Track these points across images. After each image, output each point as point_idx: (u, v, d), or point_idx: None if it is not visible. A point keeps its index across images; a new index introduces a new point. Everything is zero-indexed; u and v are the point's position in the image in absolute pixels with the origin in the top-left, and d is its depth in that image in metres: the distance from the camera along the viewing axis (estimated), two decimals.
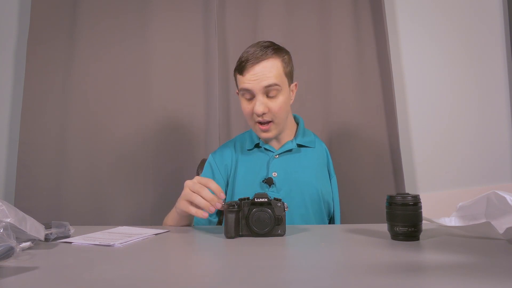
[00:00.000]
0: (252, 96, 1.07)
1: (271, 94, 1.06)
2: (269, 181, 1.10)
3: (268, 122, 1.08)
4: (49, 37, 1.58)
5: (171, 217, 1.03)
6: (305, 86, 1.59)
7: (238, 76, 1.09)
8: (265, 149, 1.17)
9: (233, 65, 1.62)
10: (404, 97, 1.74)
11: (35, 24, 1.57)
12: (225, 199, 1.17)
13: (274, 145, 1.17)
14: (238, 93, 1.16)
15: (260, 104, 1.05)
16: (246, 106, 1.10)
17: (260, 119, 1.08)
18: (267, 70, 1.04)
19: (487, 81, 1.78)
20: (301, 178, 1.12)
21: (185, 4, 1.66)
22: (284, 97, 1.08)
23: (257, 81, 1.04)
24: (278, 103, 1.07)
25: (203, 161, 1.37)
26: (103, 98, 1.59)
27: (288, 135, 1.18)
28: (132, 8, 1.63)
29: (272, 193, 1.10)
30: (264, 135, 1.11)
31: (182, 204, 0.88)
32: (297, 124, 1.24)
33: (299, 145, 1.17)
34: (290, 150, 1.16)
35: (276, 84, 1.05)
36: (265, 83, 1.04)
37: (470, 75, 1.77)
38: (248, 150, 1.19)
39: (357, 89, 1.65)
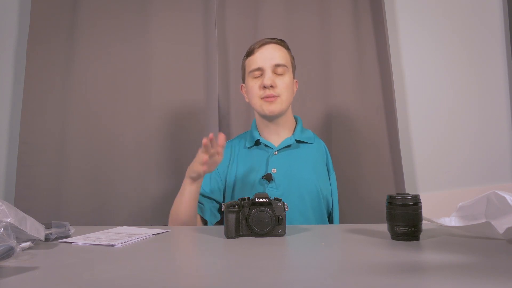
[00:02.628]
0: (261, 74, 1.15)
1: (279, 72, 1.14)
2: (268, 177, 1.11)
3: (274, 96, 1.14)
4: (49, 37, 1.58)
5: (179, 200, 1.06)
6: (305, 86, 1.59)
7: (248, 60, 1.18)
8: (265, 145, 1.18)
9: (233, 65, 1.63)
10: (404, 97, 1.74)
11: (35, 24, 1.57)
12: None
13: (274, 141, 1.19)
14: (242, 87, 1.24)
15: (269, 78, 1.13)
16: (253, 84, 1.16)
17: (268, 92, 1.13)
18: (276, 51, 1.16)
19: (487, 81, 1.78)
20: (300, 174, 1.13)
21: (185, 4, 1.65)
22: (290, 79, 1.17)
23: (267, 59, 1.14)
24: (285, 81, 1.15)
25: None
26: (103, 98, 1.58)
27: (287, 133, 1.21)
28: (132, 8, 1.63)
29: (271, 189, 1.10)
30: (269, 107, 1.14)
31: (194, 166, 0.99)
32: (296, 123, 1.26)
33: (298, 141, 1.20)
34: (289, 146, 1.18)
35: (284, 65, 1.14)
36: (275, 61, 1.14)
37: (470, 75, 1.77)
38: (248, 148, 1.20)
39: (357, 89, 1.65)
